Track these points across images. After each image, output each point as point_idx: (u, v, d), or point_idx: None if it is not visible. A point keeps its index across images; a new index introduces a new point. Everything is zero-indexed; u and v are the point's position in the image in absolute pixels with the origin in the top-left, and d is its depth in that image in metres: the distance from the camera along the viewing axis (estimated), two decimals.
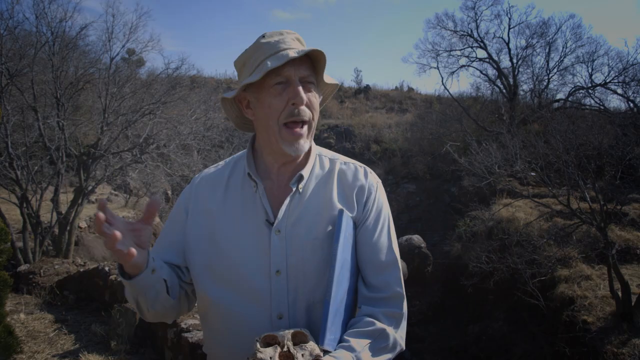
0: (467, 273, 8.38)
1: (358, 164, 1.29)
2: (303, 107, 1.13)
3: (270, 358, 0.95)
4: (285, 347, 0.98)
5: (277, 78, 1.12)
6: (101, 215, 0.95)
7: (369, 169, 1.29)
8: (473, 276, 8.08)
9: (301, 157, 1.23)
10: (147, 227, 1.06)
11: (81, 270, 6.06)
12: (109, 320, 4.54)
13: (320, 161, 1.26)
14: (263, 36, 1.17)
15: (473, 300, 8.65)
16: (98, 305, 5.39)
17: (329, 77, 1.21)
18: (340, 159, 1.29)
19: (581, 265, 7.03)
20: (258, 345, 0.98)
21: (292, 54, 1.09)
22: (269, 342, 1.00)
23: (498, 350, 7.15)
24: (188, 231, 1.22)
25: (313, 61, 1.16)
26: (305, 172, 1.20)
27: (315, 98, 1.17)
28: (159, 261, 1.16)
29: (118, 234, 0.95)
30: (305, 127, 1.16)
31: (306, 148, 1.18)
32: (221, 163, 1.33)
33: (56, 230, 7.26)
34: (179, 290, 1.22)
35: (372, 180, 1.26)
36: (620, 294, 5.65)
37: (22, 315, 4.86)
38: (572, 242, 7.24)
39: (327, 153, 1.30)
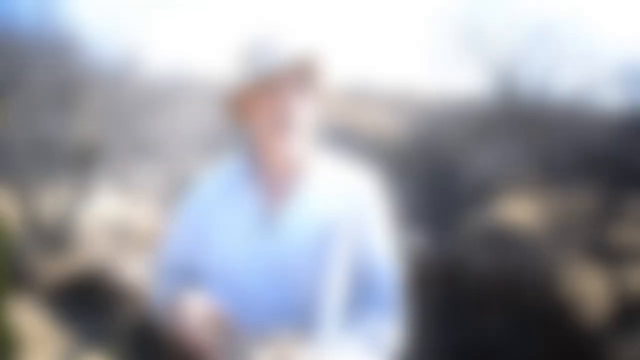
0: (467, 273, 8.39)
1: (362, 165, 1.31)
2: None
3: (266, 355, 0.95)
4: (281, 345, 0.98)
5: None
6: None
7: (372, 171, 1.30)
8: (473, 276, 8.09)
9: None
10: None
11: (81, 270, 6.07)
12: (109, 320, 4.55)
13: (323, 161, 1.28)
14: None
15: (473, 300, 8.66)
16: (98, 306, 5.41)
17: None
18: (344, 159, 1.30)
19: (581, 265, 7.03)
20: (253, 343, 0.98)
21: None
22: (265, 340, 1.00)
23: (498, 350, 7.15)
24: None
25: None
26: (308, 172, 1.21)
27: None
28: None
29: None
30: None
31: (305, 146, 1.19)
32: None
33: (56, 230, 7.26)
34: None
35: (375, 182, 1.27)
36: (620, 294, 5.66)
37: (22, 316, 4.87)
38: (572, 242, 7.25)
39: (331, 154, 1.31)
